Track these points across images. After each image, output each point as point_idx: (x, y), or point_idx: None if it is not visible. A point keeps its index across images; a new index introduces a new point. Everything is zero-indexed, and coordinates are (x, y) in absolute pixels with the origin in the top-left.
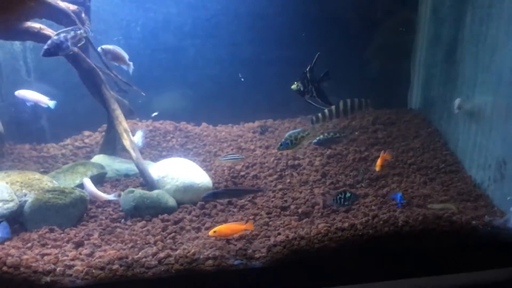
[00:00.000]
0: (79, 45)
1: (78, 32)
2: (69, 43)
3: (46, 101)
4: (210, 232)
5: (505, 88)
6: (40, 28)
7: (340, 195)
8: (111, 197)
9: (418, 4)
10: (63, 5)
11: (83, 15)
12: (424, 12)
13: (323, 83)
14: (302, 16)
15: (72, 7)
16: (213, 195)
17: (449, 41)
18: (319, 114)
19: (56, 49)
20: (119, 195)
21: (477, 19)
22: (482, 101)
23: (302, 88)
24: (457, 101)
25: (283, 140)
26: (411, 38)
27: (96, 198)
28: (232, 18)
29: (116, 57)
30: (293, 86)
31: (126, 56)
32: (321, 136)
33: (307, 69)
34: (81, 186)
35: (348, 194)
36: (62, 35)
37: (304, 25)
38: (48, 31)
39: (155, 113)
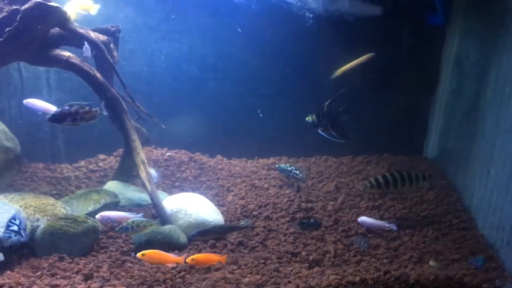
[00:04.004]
0: (90, 122)
1: (93, 109)
2: (78, 117)
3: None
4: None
5: None
6: (69, 56)
7: (304, 220)
8: (138, 217)
9: (442, 56)
10: (94, 35)
11: (112, 45)
12: (447, 64)
13: (341, 117)
14: (327, 58)
15: (102, 37)
16: (201, 233)
17: (470, 97)
18: (372, 181)
19: (61, 119)
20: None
21: (502, 79)
22: (501, 162)
23: (316, 121)
24: None
25: (125, 223)
26: (433, 88)
27: (121, 220)
28: (255, 55)
29: None
30: (307, 118)
31: None
32: (283, 165)
33: (327, 103)
34: (93, 213)
35: (312, 221)
36: (74, 107)
37: (327, 66)
38: (76, 59)
39: (169, 154)
